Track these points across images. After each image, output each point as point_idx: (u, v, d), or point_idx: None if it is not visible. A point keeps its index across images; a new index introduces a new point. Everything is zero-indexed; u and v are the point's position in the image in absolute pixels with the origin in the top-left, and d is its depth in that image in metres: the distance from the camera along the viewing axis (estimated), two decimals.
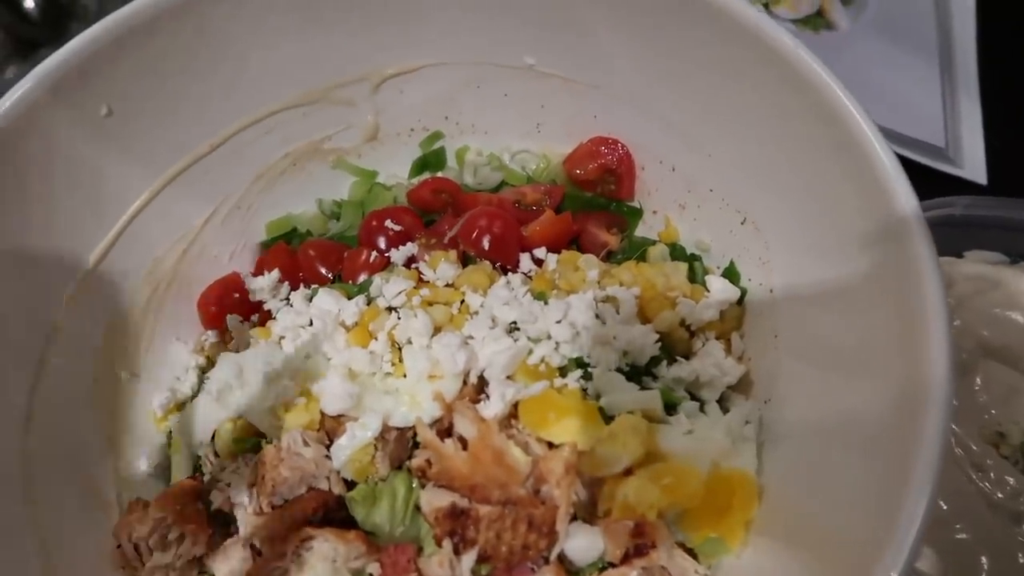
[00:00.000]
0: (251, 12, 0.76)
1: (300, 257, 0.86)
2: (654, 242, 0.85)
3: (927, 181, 1.04)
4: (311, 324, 0.74)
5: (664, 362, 0.73)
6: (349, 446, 0.66)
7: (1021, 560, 0.73)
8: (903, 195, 0.57)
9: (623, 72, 0.81)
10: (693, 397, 0.73)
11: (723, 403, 0.74)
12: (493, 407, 0.65)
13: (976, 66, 1.14)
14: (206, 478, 0.72)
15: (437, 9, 0.82)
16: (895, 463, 0.51)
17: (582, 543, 0.63)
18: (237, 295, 0.84)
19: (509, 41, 0.84)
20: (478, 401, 0.68)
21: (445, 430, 0.67)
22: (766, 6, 1.14)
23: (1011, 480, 0.77)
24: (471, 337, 0.71)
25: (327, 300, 0.75)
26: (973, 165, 1.04)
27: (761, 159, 0.73)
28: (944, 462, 0.48)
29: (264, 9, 0.77)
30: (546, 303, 0.73)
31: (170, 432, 0.78)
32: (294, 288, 0.84)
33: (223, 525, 0.70)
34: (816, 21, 1.13)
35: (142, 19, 0.70)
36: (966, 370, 0.83)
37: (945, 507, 0.76)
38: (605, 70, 0.82)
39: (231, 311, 0.83)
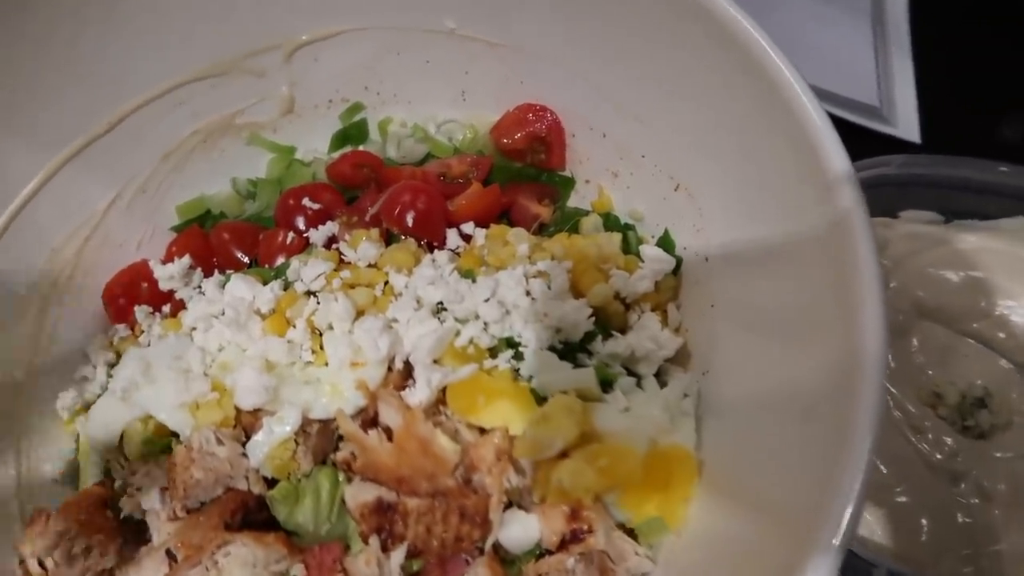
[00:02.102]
0: None
1: (213, 241, 0.81)
2: (587, 212, 0.82)
3: (861, 140, 1.03)
4: (224, 313, 0.69)
5: (599, 337, 0.70)
6: (266, 442, 0.62)
7: (960, 519, 0.73)
8: (835, 156, 0.55)
9: (549, 34, 0.77)
10: (630, 372, 0.70)
11: (661, 377, 0.71)
12: (419, 394, 0.62)
13: (908, 24, 1.12)
14: (116, 483, 0.67)
15: None
16: (833, 430, 0.49)
17: (517, 531, 0.61)
18: (146, 284, 0.78)
19: (428, 3, 0.79)
20: (404, 388, 0.64)
21: (370, 420, 0.63)
22: None
23: (949, 441, 0.77)
24: (395, 320, 0.67)
25: (241, 287, 0.70)
26: (907, 123, 1.03)
27: (692, 122, 0.70)
28: (882, 427, 0.46)
29: None
30: (474, 281, 0.69)
31: (79, 435, 0.73)
32: (208, 275, 0.79)
33: (136, 534, 0.65)
34: None
35: None
36: (902, 332, 0.82)
37: (885, 471, 0.76)
38: (530, 32, 0.78)
39: (140, 302, 0.78)
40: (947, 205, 0.88)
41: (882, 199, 0.86)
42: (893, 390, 0.79)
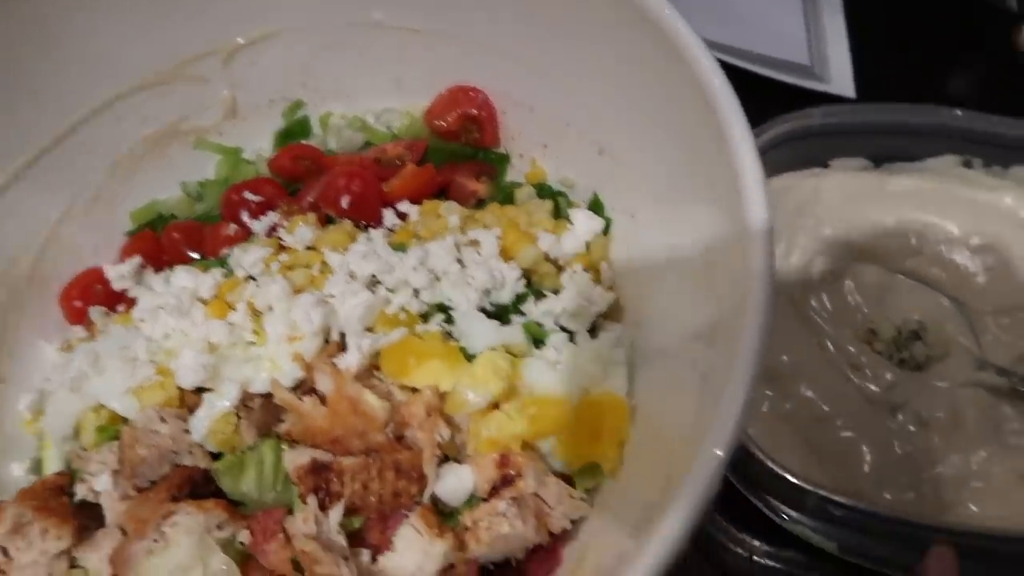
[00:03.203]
0: None
1: (164, 241, 0.84)
2: (521, 184, 0.84)
3: (796, 99, 1.05)
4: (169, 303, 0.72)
5: (531, 298, 0.73)
6: (207, 416, 0.64)
7: (897, 449, 0.75)
8: (732, 116, 0.57)
9: (472, 18, 0.80)
10: (564, 330, 0.72)
11: (595, 332, 0.73)
12: (350, 358, 0.64)
13: None
14: (74, 471, 0.70)
15: None
16: (724, 359, 0.51)
17: (453, 483, 0.63)
18: (100, 287, 0.81)
19: None
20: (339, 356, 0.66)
21: (309, 390, 0.66)
22: None
23: (887, 375, 0.78)
24: (331, 296, 0.70)
25: (184, 277, 0.73)
26: (841, 80, 1.05)
27: (608, 90, 0.72)
28: (766, 343, 0.47)
29: None
30: (405, 252, 0.72)
31: (41, 432, 0.75)
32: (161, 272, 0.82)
33: (95, 518, 0.67)
34: None
35: None
36: (837, 275, 0.84)
37: (827, 408, 0.78)
38: (452, 17, 0.81)
39: (96, 304, 0.81)
40: (875, 151, 0.90)
41: (812, 150, 0.89)
42: (831, 331, 0.81)
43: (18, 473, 0.75)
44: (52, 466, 0.72)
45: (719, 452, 0.46)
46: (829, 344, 0.80)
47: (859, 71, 1.08)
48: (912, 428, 0.75)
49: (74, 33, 0.77)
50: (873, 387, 0.78)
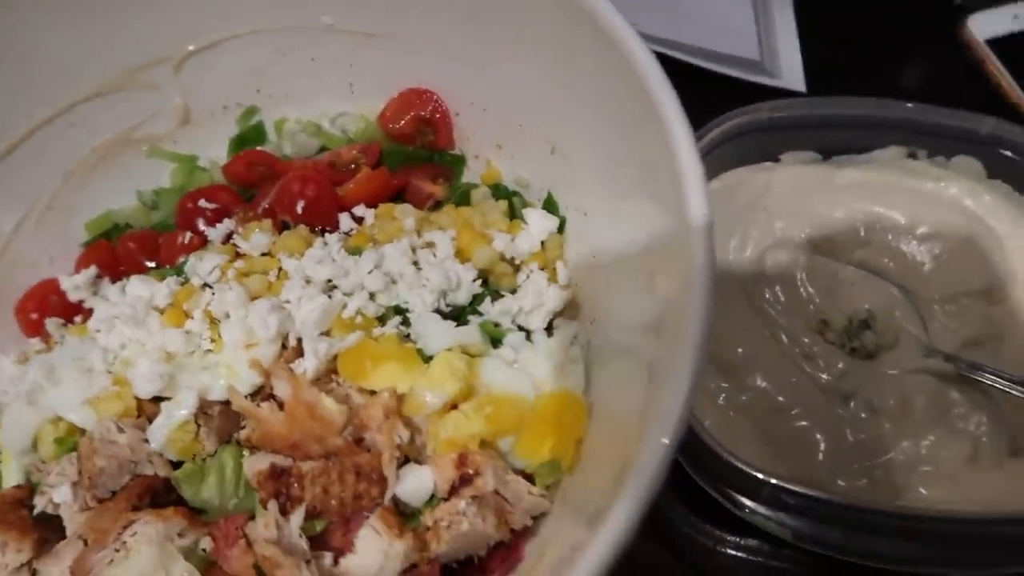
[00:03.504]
0: (28, 6, 0.73)
1: (119, 251, 0.83)
2: (477, 185, 0.85)
3: (747, 94, 1.06)
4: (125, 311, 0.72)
5: (488, 299, 0.73)
6: (165, 425, 0.64)
7: (850, 437, 0.77)
8: (670, 112, 0.57)
9: (422, 20, 0.80)
10: (522, 329, 0.73)
11: (551, 331, 0.74)
12: (307, 363, 0.65)
13: None
14: (34, 484, 0.69)
15: None
16: (669, 349, 0.53)
17: (413, 483, 0.63)
18: (56, 298, 0.81)
19: (304, 2, 0.82)
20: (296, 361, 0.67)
21: (267, 396, 0.66)
22: None
23: (838, 364, 0.80)
24: (287, 301, 0.70)
25: (139, 286, 0.73)
26: (791, 74, 1.07)
27: (557, 89, 0.73)
28: (706, 343, 0.48)
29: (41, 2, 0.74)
30: (360, 256, 0.72)
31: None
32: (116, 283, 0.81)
33: (56, 530, 0.67)
34: None
35: None
36: (788, 268, 0.85)
37: (782, 399, 0.79)
38: (402, 20, 0.81)
39: (52, 315, 0.80)
40: (824, 144, 0.92)
41: (762, 145, 0.90)
42: (784, 322, 0.82)
43: None
44: (11, 479, 0.72)
45: (665, 440, 0.47)
46: (783, 335, 0.82)
47: (809, 65, 1.10)
48: (863, 415, 0.77)
49: (21, 41, 0.76)
50: (825, 376, 0.79)
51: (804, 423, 0.78)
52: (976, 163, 0.88)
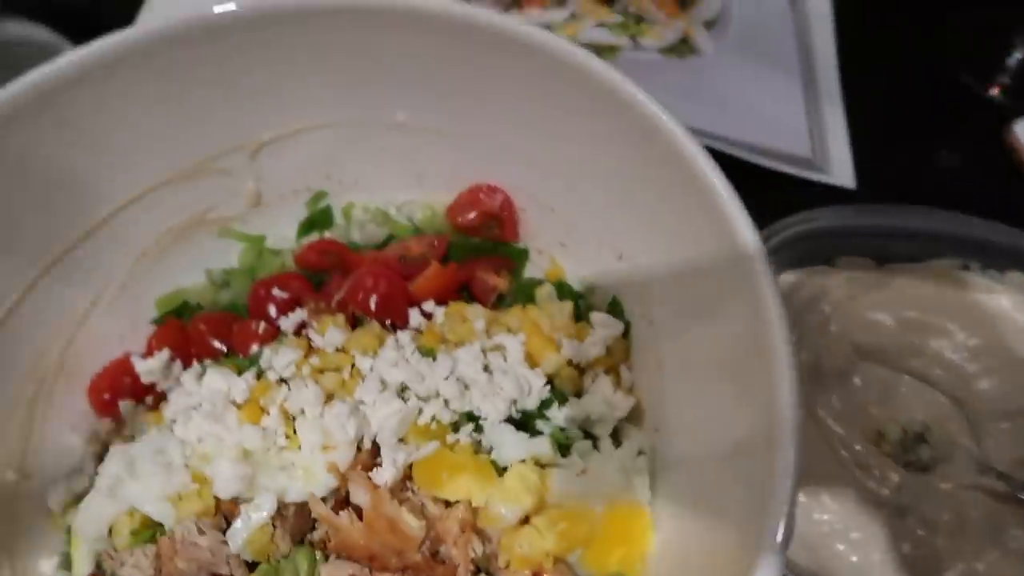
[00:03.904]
0: (113, 99, 0.75)
1: (191, 332, 0.85)
2: (541, 282, 0.87)
3: (798, 189, 1.09)
4: (202, 405, 0.74)
5: (556, 404, 0.75)
6: (245, 528, 0.66)
7: (907, 551, 0.77)
8: (742, 228, 0.60)
9: (493, 122, 0.83)
10: (587, 434, 0.75)
11: (616, 436, 0.76)
12: (386, 473, 0.66)
13: (838, 77, 1.19)
14: (107, 574, 0.71)
15: (305, 74, 0.82)
16: (759, 482, 0.54)
17: None
18: (128, 379, 0.82)
19: (379, 99, 0.85)
20: (373, 467, 0.68)
21: (343, 500, 0.68)
22: (633, 38, 1.17)
23: (894, 476, 0.81)
24: (362, 402, 0.72)
25: (216, 378, 0.75)
26: (841, 171, 1.10)
27: (625, 200, 0.76)
28: (801, 467, 0.50)
29: (129, 93, 0.76)
30: (434, 359, 0.74)
31: (69, 527, 0.76)
32: (187, 365, 0.83)
33: None
34: (682, 48, 1.17)
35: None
36: (844, 373, 0.87)
37: (836, 510, 0.80)
38: (476, 121, 0.84)
39: (124, 396, 0.82)
40: (879, 251, 0.93)
41: (817, 249, 0.92)
42: (839, 430, 0.84)
43: (46, 569, 0.76)
44: (81, 564, 0.73)
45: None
46: (839, 444, 0.83)
47: (857, 162, 1.12)
48: (920, 531, 0.78)
49: (106, 132, 0.78)
50: (881, 489, 0.80)
51: (858, 535, 0.79)
52: None
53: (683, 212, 0.68)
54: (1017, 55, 1.24)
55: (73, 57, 0.71)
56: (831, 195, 1.09)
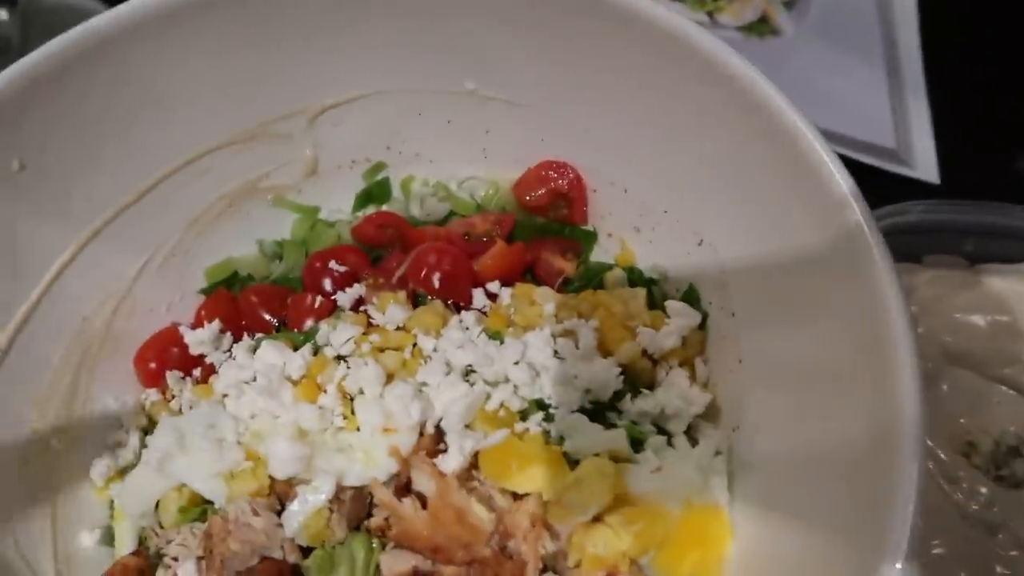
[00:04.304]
0: (174, 53, 0.72)
1: (242, 304, 0.82)
2: (611, 266, 0.82)
3: (881, 182, 1.04)
4: (255, 379, 0.70)
5: (628, 395, 0.70)
6: (301, 512, 0.62)
7: (999, 571, 0.72)
8: (854, 209, 0.56)
9: (567, 96, 0.78)
10: (660, 430, 0.70)
11: (691, 433, 0.71)
12: (452, 461, 0.62)
13: (922, 68, 1.13)
14: (151, 551, 0.68)
15: (369, 37, 0.78)
16: (873, 489, 0.50)
17: None
18: (176, 349, 0.79)
19: (447, 66, 0.81)
20: (436, 453, 0.64)
21: (403, 486, 0.64)
22: (710, 14, 1.12)
23: (984, 490, 0.76)
24: (425, 384, 0.68)
25: (271, 353, 0.71)
26: (925, 165, 1.04)
27: (714, 180, 0.71)
28: (924, 489, 0.46)
29: (187, 49, 0.72)
30: (502, 343, 0.70)
31: (112, 501, 0.73)
32: (237, 338, 0.80)
33: None
34: (760, 27, 1.12)
35: (52, 67, 0.65)
36: (931, 379, 0.81)
37: (920, 523, 0.75)
38: (546, 93, 0.79)
39: (171, 367, 0.79)
40: (970, 249, 0.88)
41: (905, 245, 0.86)
42: (928, 440, 0.78)
43: (88, 543, 0.73)
44: (124, 539, 0.71)
45: None
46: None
47: (941, 156, 1.06)
48: (1012, 552, 0.73)
49: (163, 89, 0.75)
50: (971, 504, 0.75)
51: (944, 551, 0.74)
52: None
53: (781, 194, 0.63)
54: None
55: (130, 7, 0.67)
56: (913, 190, 1.04)
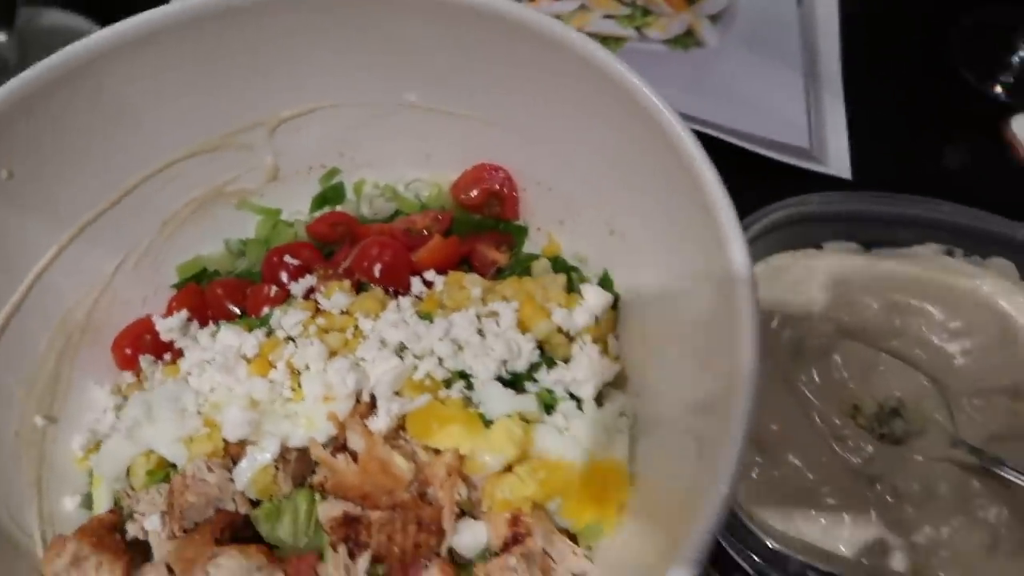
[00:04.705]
0: (146, 73, 0.81)
1: (208, 296, 0.91)
2: (538, 256, 0.92)
3: (799, 180, 1.12)
4: (215, 359, 0.80)
5: (544, 367, 0.80)
6: (249, 468, 0.71)
7: (875, 518, 0.81)
8: (725, 218, 0.63)
9: (499, 106, 0.87)
10: (572, 396, 0.79)
11: (601, 400, 0.80)
12: (380, 421, 0.72)
13: (840, 72, 1.23)
14: (124, 510, 0.77)
15: (323, 54, 0.87)
16: (718, 426, 0.58)
17: (468, 537, 0.70)
18: (149, 336, 0.88)
19: (391, 81, 0.90)
20: (369, 417, 0.74)
21: (341, 446, 0.73)
22: (639, 29, 1.22)
23: (867, 447, 0.85)
24: (363, 359, 0.77)
25: (229, 335, 0.81)
26: (838, 162, 1.13)
27: (617, 179, 0.80)
28: (753, 423, 0.54)
29: (159, 69, 0.82)
30: (431, 322, 0.79)
31: (91, 470, 0.83)
32: (204, 326, 0.89)
33: (143, 554, 0.74)
34: (686, 40, 1.21)
35: (39, 85, 0.74)
36: (825, 351, 0.90)
37: (812, 477, 0.84)
38: (480, 103, 0.89)
39: (144, 351, 0.88)
40: (865, 236, 0.97)
41: (807, 233, 0.96)
42: (817, 403, 0.88)
43: (70, 507, 0.82)
44: (102, 502, 0.80)
45: (712, 518, 0.52)
46: (816, 416, 0.87)
47: (855, 155, 1.16)
48: (889, 499, 0.82)
49: (138, 105, 0.84)
50: (855, 459, 0.84)
51: (832, 501, 0.83)
52: (1010, 265, 0.92)
53: (668, 189, 0.72)
54: (1020, 53, 1.26)
55: (108, 33, 0.77)
56: (830, 186, 1.13)
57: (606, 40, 1.19)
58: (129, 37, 0.78)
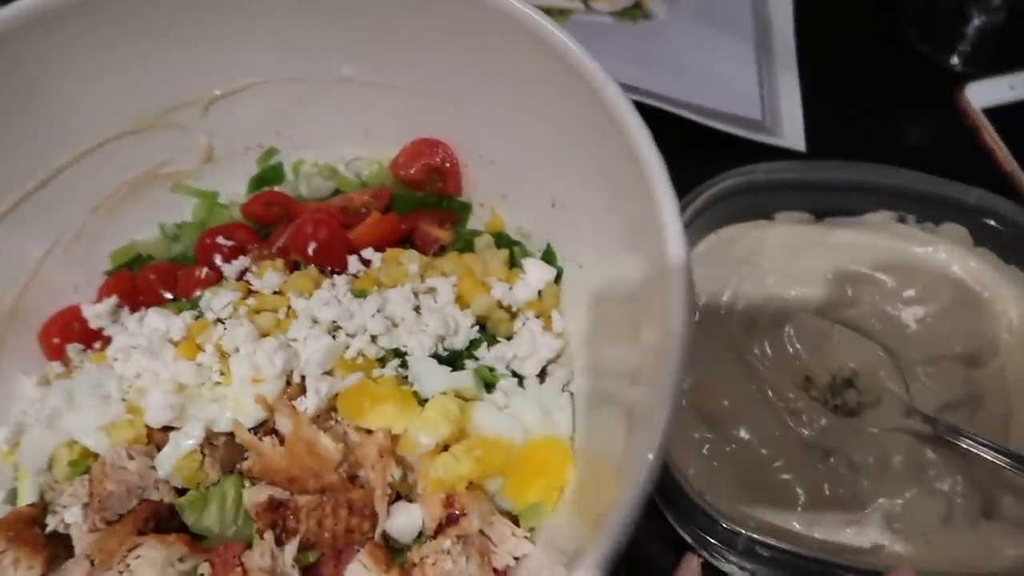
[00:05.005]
0: (64, 46, 0.78)
1: (140, 281, 0.88)
2: (481, 232, 0.89)
3: (754, 153, 1.10)
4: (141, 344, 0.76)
5: (484, 344, 0.77)
6: (173, 454, 0.68)
7: (828, 491, 0.79)
8: (661, 190, 0.60)
9: (437, 77, 0.85)
10: (515, 374, 0.77)
11: (544, 376, 0.78)
12: (308, 401, 0.69)
13: (794, 44, 1.21)
14: (48, 504, 0.74)
15: (252, 27, 0.84)
16: (648, 395, 0.56)
17: (403, 520, 0.67)
18: (78, 324, 0.85)
19: (324, 55, 0.87)
20: (299, 399, 0.71)
21: (271, 430, 0.70)
22: (585, 2, 1.19)
23: (821, 420, 0.83)
24: (294, 340, 0.74)
25: (156, 319, 0.77)
26: (792, 134, 1.11)
27: (557, 149, 0.77)
28: (679, 400, 0.52)
29: (77, 43, 0.78)
30: (364, 299, 0.76)
31: (16, 464, 0.79)
32: (136, 312, 0.86)
33: (65, 548, 0.71)
34: (634, 12, 1.19)
35: None
36: (777, 324, 0.88)
37: (764, 452, 0.82)
38: (419, 76, 0.86)
39: (73, 341, 0.85)
40: (817, 205, 0.95)
41: (756, 203, 0.94)
42: (770, 376, 0.85)
43: None
44: (27, 497, 0.76)
45: (638, 486, 0.50)
46: (768, 390, 0.84)
47: (810, 126, 1.14)
48: (842, 471, 0.80)
49: (59, 84, 0.81)
50: (808, 432, 0.82)
51: (785, 476, 0.81)
52: (963, 230, 0.91)
53: (605, 158, 0.69)
54: (975, 22, 1.25)
55: (24, 4, 0.74)
56: (784, 158, 1.10)
57: (551, 12, 1.16)
58: (48, 9, 0.75)
